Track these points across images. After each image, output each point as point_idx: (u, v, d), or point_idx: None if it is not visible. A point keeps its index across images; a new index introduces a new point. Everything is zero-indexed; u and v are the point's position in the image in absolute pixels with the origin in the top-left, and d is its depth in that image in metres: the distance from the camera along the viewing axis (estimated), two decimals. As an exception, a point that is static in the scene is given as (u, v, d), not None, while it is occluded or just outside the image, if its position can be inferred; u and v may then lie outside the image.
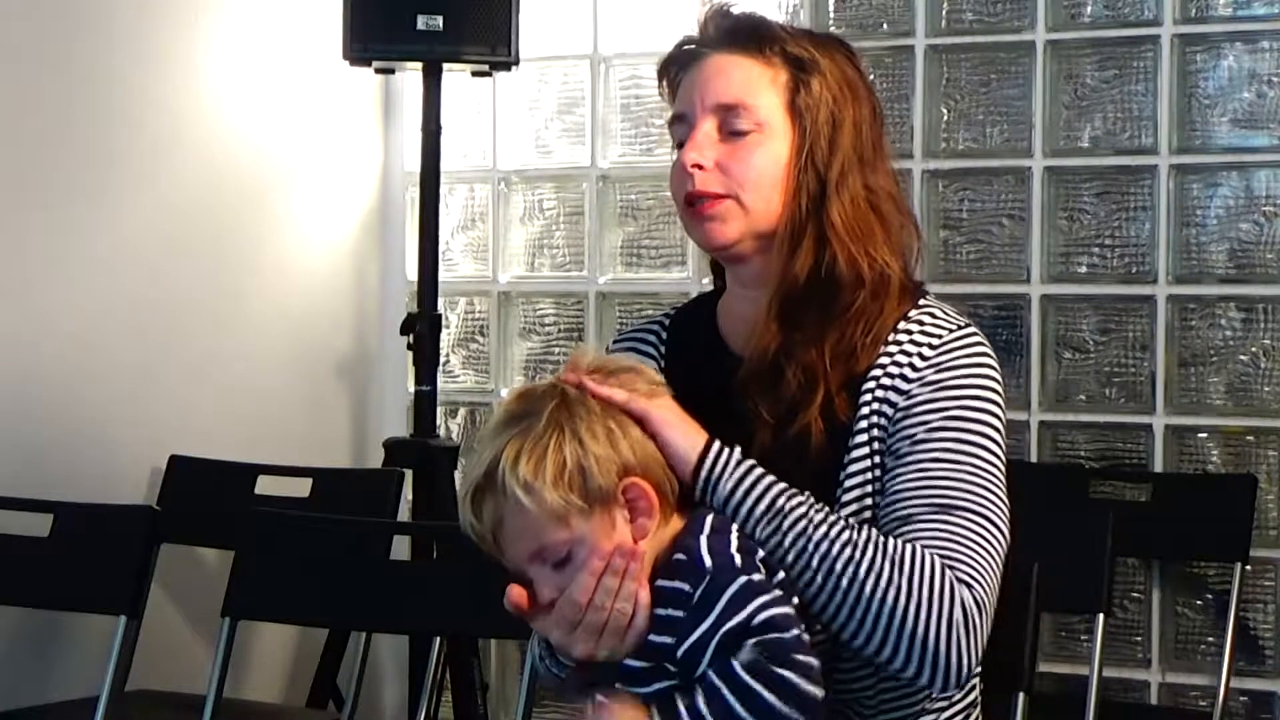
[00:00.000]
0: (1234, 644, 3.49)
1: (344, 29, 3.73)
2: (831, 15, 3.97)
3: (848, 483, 1.90)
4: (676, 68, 2.01)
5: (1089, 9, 3.76)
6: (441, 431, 4.11)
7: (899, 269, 1.96)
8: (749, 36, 1.97)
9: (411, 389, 3.90)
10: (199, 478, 3.71)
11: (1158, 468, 3.67)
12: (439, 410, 3.95)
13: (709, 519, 1.81)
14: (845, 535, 1.81)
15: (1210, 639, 3.64)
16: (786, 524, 1.81)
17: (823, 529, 1.81)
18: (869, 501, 1.89)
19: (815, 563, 1.80)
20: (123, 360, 3.68)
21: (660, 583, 1.78)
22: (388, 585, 2.90)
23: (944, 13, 3.86)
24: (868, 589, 1.79)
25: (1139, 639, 3.70)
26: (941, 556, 1.81)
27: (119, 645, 3.02)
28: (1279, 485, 3.60)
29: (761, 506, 1.82)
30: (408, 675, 3.93)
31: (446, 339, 4.22)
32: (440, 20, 3.69)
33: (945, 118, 3.87)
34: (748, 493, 1.82)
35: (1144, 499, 3.62)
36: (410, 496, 3.85)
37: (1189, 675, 3.66)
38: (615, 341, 2.13)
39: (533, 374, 4.28)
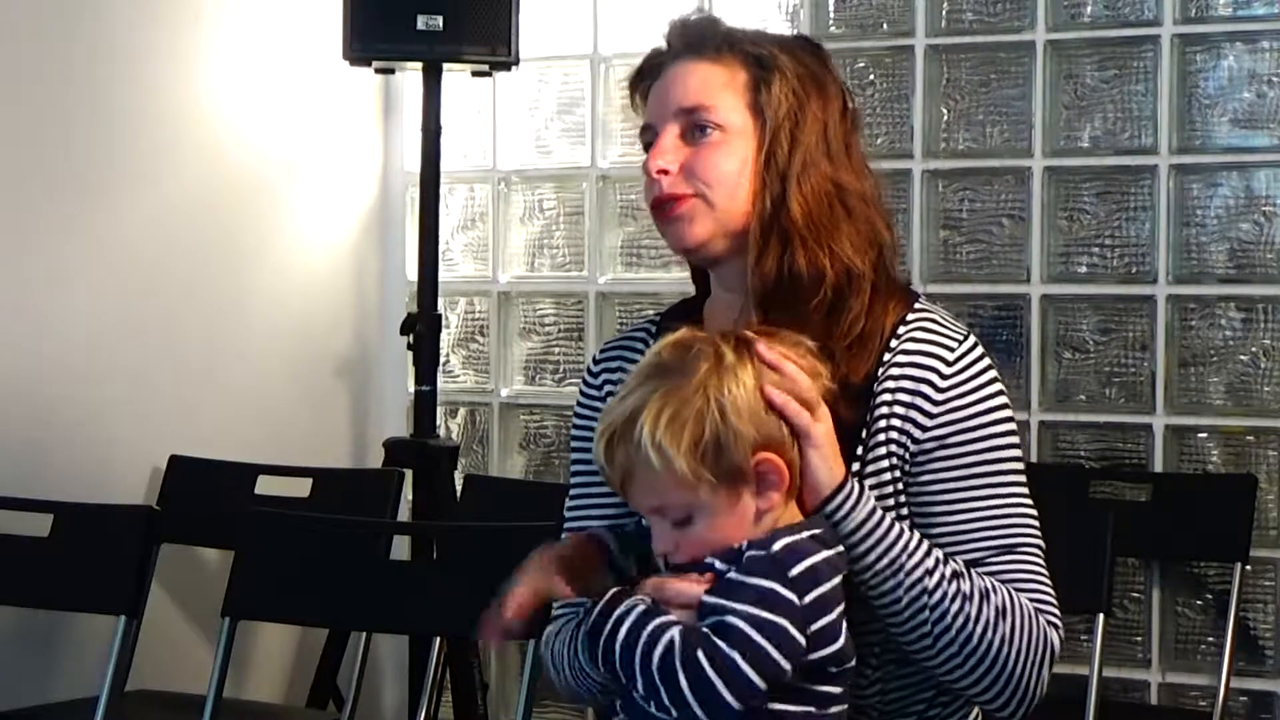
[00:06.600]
0: (1234, 644, 3.50)
1: (344, 29, 3.74)
2: (831, 15, 3.96)
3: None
4: (646, 82, 2.01)
5: (1089, 9, 3.76)
6: (441, 431, 4.11)
7: (868, 267, 1.93)
8: (706, 41, 1.97)
9: (411, 389, 3.90)
10: (199, 478, 3.71)
11: (1158, 468, 3.67)
12: (439, 410, 3.95)
13: (818, 529, 1.79)
14: (954, 586, 1.84)
15: (1210, 639, 3.64)
16: (903, 574, 1.83)
17: (935, 578, 1.84)
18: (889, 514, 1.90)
19: (928, 614, 1.84)
20: (123, 360, 3.68)
21: (711, 558, 1.76)
22: (388, 585, 2.90)
23: (944, 13, 3.86)
24: (974, 638, 1.85)
25: (1139, 639, 3.70)
26: (1030, 599, 1.89)
27: (119, 645, 3.03)
28: (1279, 485, 3.60)
29: (876, 553, 1.83)
30: (408, 675, 3.93)
31: (446, 339, 4.22)
32: (440, 20, 3.69)
33: (945, 118, 3.87)
34: (868, 535, 1.83)
35: (1144, 499, 3.62)
36: (410, 496, 3.85)
37: (1189, 675, 3.66)
38: (603, 350, 2.10)
39: (533, 374, 4.29)
